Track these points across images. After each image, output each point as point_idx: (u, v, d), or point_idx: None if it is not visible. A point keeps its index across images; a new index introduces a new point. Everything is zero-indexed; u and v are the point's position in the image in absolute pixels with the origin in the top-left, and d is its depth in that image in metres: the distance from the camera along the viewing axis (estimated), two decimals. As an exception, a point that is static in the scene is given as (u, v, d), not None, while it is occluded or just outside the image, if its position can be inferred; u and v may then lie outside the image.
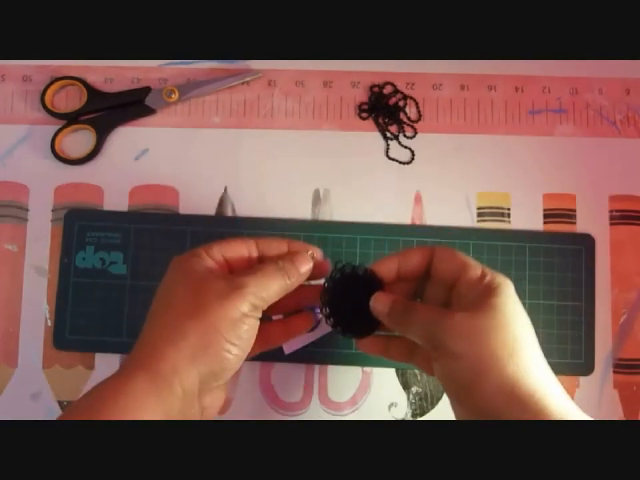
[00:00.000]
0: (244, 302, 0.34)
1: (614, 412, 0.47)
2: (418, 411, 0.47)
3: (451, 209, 0.49)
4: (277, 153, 0.50)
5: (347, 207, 0.49)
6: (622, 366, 0.48)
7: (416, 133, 0.50)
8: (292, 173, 0.50)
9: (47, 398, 0.47)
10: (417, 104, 0.51)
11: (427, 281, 0.39)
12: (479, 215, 0.49)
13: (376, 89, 0.51)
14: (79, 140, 0.50)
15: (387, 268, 0.38)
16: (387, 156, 0.50)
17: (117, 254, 0.48)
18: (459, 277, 0.36)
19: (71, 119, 0.50)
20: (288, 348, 0.44)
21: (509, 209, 0.49)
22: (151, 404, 0.32)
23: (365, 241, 0.48)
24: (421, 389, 0.47)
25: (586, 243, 0.48)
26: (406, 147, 0.50)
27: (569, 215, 0.49)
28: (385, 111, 0.50)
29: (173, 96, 0.49)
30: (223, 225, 0.48)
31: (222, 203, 0.49)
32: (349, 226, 0.48)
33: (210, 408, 0.35)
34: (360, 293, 0.38)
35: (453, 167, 0.50)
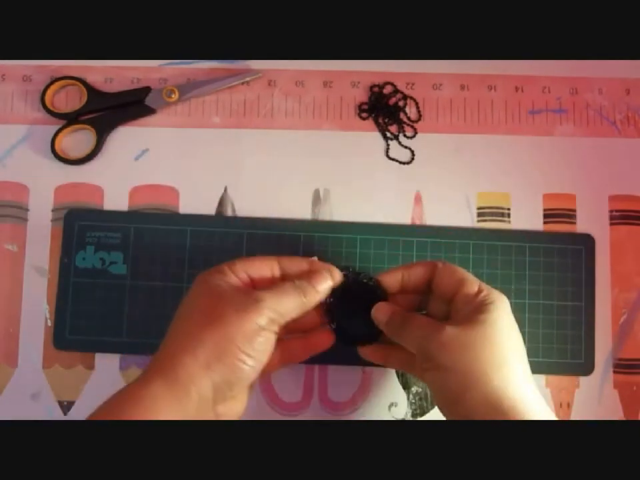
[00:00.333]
0: (260, 315, 0.34)
1: (614, 412, 0.47)
2: (418, 411, 0.47)
3: (451, 209, 0.49)
4: (277, 153, 0.50)
5: (347, 207, 0.49)
6: (622, 366, 0.48)
7: (416, 133, 0.50)
8: (292, 173, 0.50)
9: (47, 398, 0.47)
10: (416, 104, 0.51)
11: (430, 294, 0.40)
12: (479, 215, 0.49)
13: (376, 89, 0.51)
14: (79, 140, 0.50)
15: (391, 279, 0.39)
16: (387, 156, 0.50)
17: (117, 254, 0.48)
18: (457, 291, 0.37)
19: (71, 119, 0.50)
20: None
21: (508, 209, 0.49)
22: (168, 409, 0.33)
23: (364, 240, 0.48)
24: (420, 389, 0.47)
25: (586, 243, 0.48)
26: (406, 147, 0.50)
27: (568, 215, 0.49)
28: (385, 111, 0.50)
29: (173, 96, 0.49)
30: (223, 225, 0.48)
31: (222, 202, 0.49)
32: (349, 226, 0.48)
33: (224, 416, 0.35)
34: (365, 302, 0.39)
35: (453, 167, 0.50)
